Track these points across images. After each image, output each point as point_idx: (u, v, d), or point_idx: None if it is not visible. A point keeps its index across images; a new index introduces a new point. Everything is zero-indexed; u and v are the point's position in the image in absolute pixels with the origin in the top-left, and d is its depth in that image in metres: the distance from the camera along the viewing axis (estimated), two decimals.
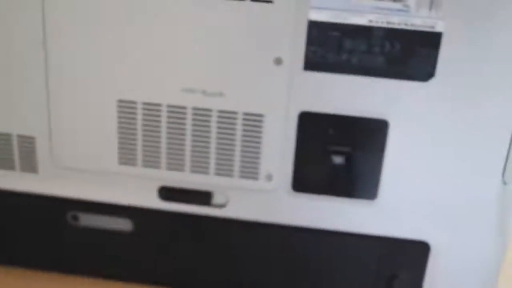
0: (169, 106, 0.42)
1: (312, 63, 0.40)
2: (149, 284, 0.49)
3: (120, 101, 0.43)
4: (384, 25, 0.38)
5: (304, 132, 0.42)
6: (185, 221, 0.46)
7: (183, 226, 0.46)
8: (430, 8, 0.38)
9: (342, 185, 0.43)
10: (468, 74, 0.39)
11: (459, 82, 0.39)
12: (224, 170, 0.44)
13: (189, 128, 0.43)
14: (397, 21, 0.38)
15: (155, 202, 0.46)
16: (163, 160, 0.44)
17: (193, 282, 0.48)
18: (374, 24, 0.38)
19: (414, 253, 0.44)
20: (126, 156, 0.44)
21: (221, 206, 0.46)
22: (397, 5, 0.38)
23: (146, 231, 0.47)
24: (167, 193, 0.46)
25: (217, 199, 0.46)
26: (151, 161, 0.44)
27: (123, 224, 0.47)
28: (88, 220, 0.47)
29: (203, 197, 0.45)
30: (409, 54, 0.39)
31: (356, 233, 0.44)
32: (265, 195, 0.44)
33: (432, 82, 0.39)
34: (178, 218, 0.46)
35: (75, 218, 0.47)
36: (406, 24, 0.38)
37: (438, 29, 0.38)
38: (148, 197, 0.46)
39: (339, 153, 0.42)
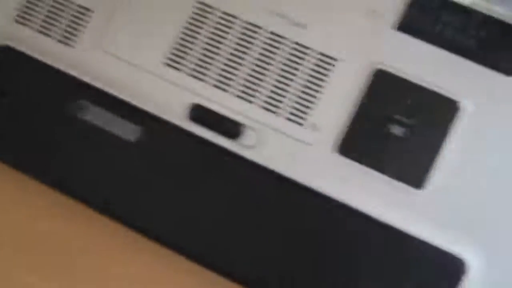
0: (246, 22, 0.42)
1: (408, 26, 0.40)
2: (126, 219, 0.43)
3: (200, 2, 0.44)
4: (485, 11, 0.41)
5: (372, 92, 0.41)
6: (203, 150, 0.42)
7: (197, 155, 0.42)
8: None
9: (391, 161, 0.39)
10: None
11: None
12: (271, 105, 0.42)
13: (256, 50, 0.42)
14: (501, 12, 0.41)
15: (178, 118, 0.42)
16: (212, 74, 0.43)
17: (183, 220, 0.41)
18: (474, 8, 0.41)
19: (444, 268, 0.38)
20: (175, 58, 0.43)
21: (249, 146, 0.42)
22: None
23: (151, 149, 0.42)
24: (198, 112, 0.42)
25: (247, 136, 0.42)
26: (199, 72, 0.43)
27: (131, 131, 0.43)
28: (95, 114, 0.43)
29: (233, 128, 0.42)
30: (503, 48, 0.41)
31: (382, 223, 0.39)
32: (304, 147, 0.41)
33: None
34: (196, 144, 0.42)
35: (82, 107, 0.44)
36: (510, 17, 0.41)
37: None
38: (175, 110, 0.42)
39: (400, 124, 0.41)
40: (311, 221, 0.40)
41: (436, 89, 0.40)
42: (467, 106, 0.39)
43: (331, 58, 0.41)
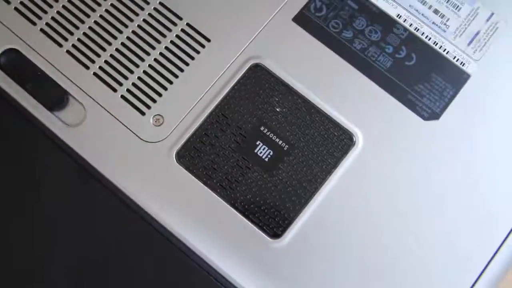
0: None
1: (307, 20, 0.32)
2: None
3: None
4: (411, 29, 0.33)
5: (243, 91, 0.31)
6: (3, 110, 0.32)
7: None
8: (470, 42, 0.33)
9: (244, 192, 0.30)
10: (474, 134, 0.30)
11: (460, 141, 0.30)
12: (112, 78, 0.31)
13: (110, 0, 0.33)
14: (428, 33, 0.33)
15: None
16: (46, 17, 0.32)
17: None
18: (401, 21, 0.33)
19: None
20: None
21: (68, 124, 0.32)
22: (436, 18, 0.33)
23: None
24: (11, 59, 0.32)
25: (70, 110, 0.32)
26: (29, 9, 0.32)
27: None
28: None
29: (54, 95, 0.32)
30: (422, 77, 0.32)
31: (214, 274, 0.30)
32: (137, 142, 0.31)
33: (431, 124, 0.32)
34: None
35: None
36: (435, 43, 0.33)
37: (468, 69, 0.33)
38: None
39: (268, 143, 0.32)
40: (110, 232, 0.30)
41: (328, 111, 0.31)
42: (362, 142, 0.31)
43: (202, 36, 0.32)
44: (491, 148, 0.30)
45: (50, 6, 0.32)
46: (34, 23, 0.32)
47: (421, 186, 0.30)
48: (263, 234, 0.29)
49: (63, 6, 0.32)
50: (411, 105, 0.31)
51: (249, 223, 0.29)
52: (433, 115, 0.31)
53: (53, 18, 0.32)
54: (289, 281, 0.29)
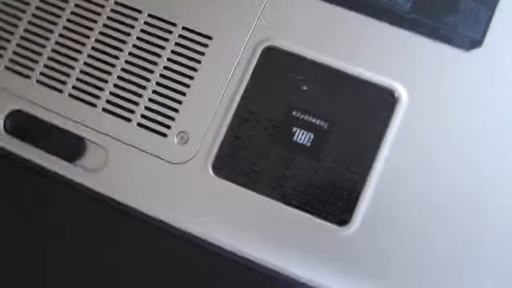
0: None
1: None
2: None
3: None
4: None
5: (262, 79, 0.29)
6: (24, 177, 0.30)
7: (15, 187, 0.31)
8: None
9: (295, 185, 0.28)
10: None
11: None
12: (124, 108, 0.29)
13: (97, 28, 0.32)
14: None
15: None
16: (38, 67, 0.31)
17: None
18: None
19: None
20: None
21: (92, 169, 0.30)
22: None
23: None
24: (17, 121, 0.31)
25: (89, 156, 0.31)
26: (20, 64, 0.31)
27: None
28: None
29: (69, 143, 0.31)
30: (449, 8, 0.29)
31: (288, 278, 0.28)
32: (165, 168, 0.29)
33: (475, 53, 0.29)
34: (14, 169, 0.31)
35: None
36: None
37: None
38: None
39: (306, 127, 0.29)
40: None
41: (359, 73, 0.28)
42: (406, 95, 0.28)
43: (202, 35, 0.29)
44: None
45: (39, 54, 0.30)
46: (28, 77, 0.30)
47: (486, 123, 0.27)
48: (329, 224, 0.27)
49: (52, 50, 0.30)
50: (448, 40, 0.27)
51: (310, 216, 0.27)
52: (475, 43, 0.27)
53: (45, 66, 0.30)
54: (368, 269, 0.26)
